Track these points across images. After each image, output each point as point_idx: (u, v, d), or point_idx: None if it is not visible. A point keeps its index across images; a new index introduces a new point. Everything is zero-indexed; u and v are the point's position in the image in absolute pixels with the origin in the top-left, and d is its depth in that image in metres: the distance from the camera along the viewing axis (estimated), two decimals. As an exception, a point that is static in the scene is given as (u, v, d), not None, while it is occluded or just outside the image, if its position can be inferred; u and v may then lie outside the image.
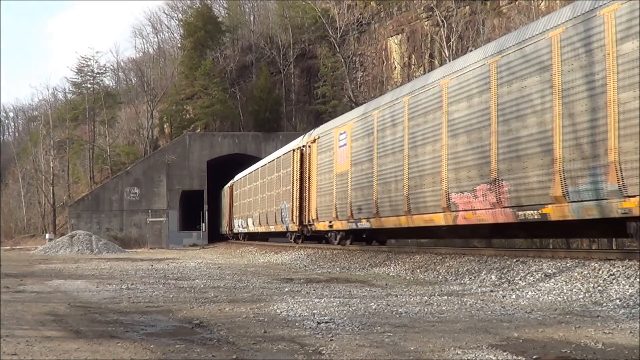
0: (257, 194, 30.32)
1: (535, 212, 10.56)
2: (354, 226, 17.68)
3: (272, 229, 27.04)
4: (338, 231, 19.43)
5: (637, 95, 8.63)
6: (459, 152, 12.60)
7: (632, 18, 8.79)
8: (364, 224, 16.93)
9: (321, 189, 19.97)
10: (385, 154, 15.75)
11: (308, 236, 22.72)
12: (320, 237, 22.41)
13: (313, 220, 20.82)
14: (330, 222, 19.25)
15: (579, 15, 9.79)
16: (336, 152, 18.92)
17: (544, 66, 10.43)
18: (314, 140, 20.99)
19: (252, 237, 33.73)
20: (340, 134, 18.79)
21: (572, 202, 9.78)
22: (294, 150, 23.36)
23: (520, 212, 10.92)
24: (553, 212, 10.17)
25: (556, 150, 10.07)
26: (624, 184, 8.84)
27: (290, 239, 24.58)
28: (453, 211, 12.81)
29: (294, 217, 22.58)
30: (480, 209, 11.95)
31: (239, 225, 36.47)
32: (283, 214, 24.59)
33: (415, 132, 14.30)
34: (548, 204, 10.26)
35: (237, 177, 38.01)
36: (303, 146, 22.27)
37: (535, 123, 10.57)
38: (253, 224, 31.30)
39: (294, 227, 23.02)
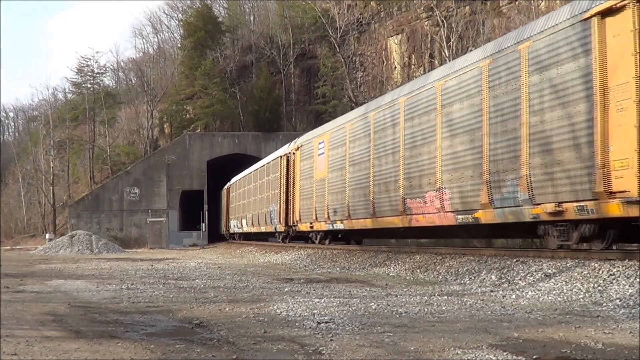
0: (250, 197, 32.08)
1: (470, 216, 12.30)
2: (330, 227, 19.48)
3: (263, 229, 28.75)
4: (318, 231, 21.18)
5: (544, 119, 10.33)
6: (413, 163, 14.38)
7: (540, 54, 10.51)
8: (339, 225, 18.71)
9: (303, 193, 21.76)
10: (355, 163, 17.54)
11: (293, 236, 24.49)
12: (304, 237, 23.88)
13: (297, 221, 22.60)
14: (311, 223, 21.05)
15: (504, 48, 11.46)
16: (316, 160, 20.75)
17: (476, 91, 12.16)
18: (297, 148, 22.83)
19: (247, 237, 34.87)
20: (319, 143, 20.60)
21: (496, 208, 11.51)
22: (281, 156, 25.18)
23: (459, 216, 12.69)
24: (483, 216, 11.87)
25: (484, 164, 11.77)
26: (533, 194, 10.53)
27: (279, 238, 26.13)
28: (408, 215, 14.55)
29: (281, 218, 24.40)
30: (429, 213, 13.72)
31: (234, 226, 38.08)
32: (272, 215, 26.41)
33: (379, 145, 16.14)
34: (479, 209, 11.94)
35: (233, 180, 39.25)
36: (289, 153, 24.04)
37: (469, 140, 12.31)
38: (247, 224, 33.03)
39: (281, 228, 24.78)
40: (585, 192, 9.55)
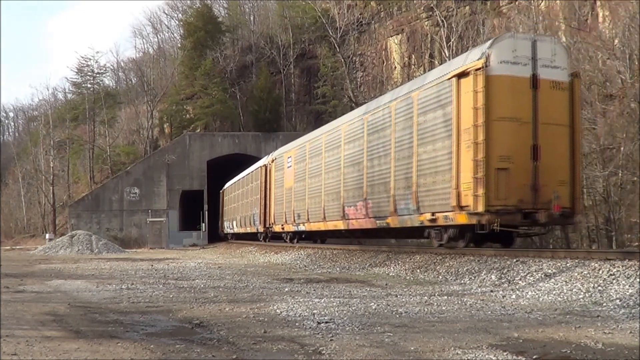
0: (239, 201, 35.55)
1: (384, 221, 15.56)
2: (296, 228, 23.00)
3: (248, 230, 32.16)
4: (288, 232, 24.65)
5: (427, 150, 13.54)
6: (349, 178, 17.78)
7: (426, 100, 13.67)
8: (302, 227, 22.22)
9: (277, 199, 25.51)
10: (313, 175, 20.98)
11: (270, 236, 27.95)
12: (280, 237, 26.86)
13: (272, 223, 26.40)
14: (282, 225, 24.72)
15: (403, 94, 15.02)
16: (285, 172, 24.48)
17: (388, 125, 15.42)
18: (273, 161, 26.71)
19: (238, 237, 37.01)
20: (288, 157, 24.31)
21: (399, 215, 14.72)
22: (261, 167, 28.84)
23: (377, 221, 15.93)
24: (392, 222, 15.13)
25: (392, 182, 15.08)
26: (420, 206, 13.76)
27: (260, 238, 29.30)
28: (347, 219, 17.96)
29: (261, 220, 28.14)
30: (359, 218, 17.08)
31: (227, 227, 40.79)
32: (254, 218, 29.99)
33: (328, 162, 19.69)
34: (389, 216, 15.20)
35: (227, 184, 41.36)
36: (267, 164, 27.74)
37: (383, 163, 15.56)
38: (236, 226, 36.45)
39: (261, 229, 28.45)
40: (447, 206, 12.66)
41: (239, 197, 35.47)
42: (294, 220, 22.80)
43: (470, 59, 12.50)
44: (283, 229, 24.70)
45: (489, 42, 12.54)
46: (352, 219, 17.49)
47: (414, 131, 14.02)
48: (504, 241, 13.55)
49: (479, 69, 11.94)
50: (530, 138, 12.03)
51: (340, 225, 18.47)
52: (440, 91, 13.17)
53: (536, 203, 11.89)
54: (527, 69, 12.15)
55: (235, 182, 37.58)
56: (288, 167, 24.07)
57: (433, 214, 13.22)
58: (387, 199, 15.24)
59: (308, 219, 21.17)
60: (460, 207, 12.23)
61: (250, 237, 32.73)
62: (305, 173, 21.72)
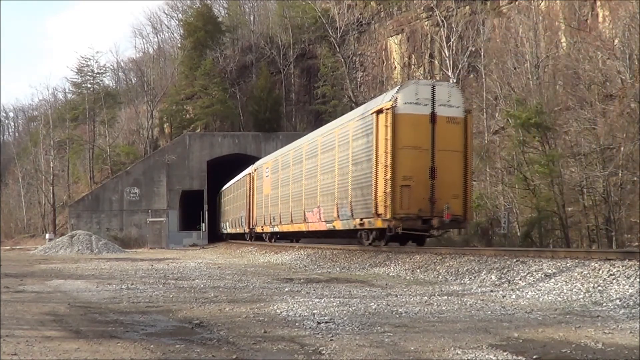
0: (231, 204, 39.03)
1: (331, 224, 18.55)
2: (272, 230, 26.54)
3: (238, 230, 35.61)
4: (267, 233, 28.16)
5: (357, 169, 16.51)
6: (308, 188, 20.90)
7: (357, 129, 16.72)
8: (276, 229, 25.75)
9: (258, 204, 29.40)
10: (284, 185, 24.54)
11: (254, 236, 31.23)
12: (262, 237, 30.36)
13: (254, 225, 30.23)
14: (262, 226, 28.44)
15: (343, 123, 18.24)
16: (264, 180, 28.30)
17: (333, 146, 18.46)
18: (255, 170, 30.77)
19: (232, 236, 39.56)
20: (266, 168, 28.19)
21: (341, 220, 17.71)
22: (247, 175, 32.65)
23: (327, 224, 18.96)
24: (336, 225, 18.17)
25: (335, 193, 18.15)
26: (353, 213, 16.81)
27: (247, 238, 32.80)
28: (307, 222, 21.06)
29: (247, 222, 31.89)
30: (315, 222, 20.18)
31: (222, 227, 43.25)
32: (242, 220, 33.52)
33: (294, 174, 22.95)
34: (334, 220, 18.20)
35: (223, 187, 43.19)
36: (252, 172, 31.43)
37: (330, 177, 18.65)
38: (229, 226, 39.68)
39: (247, 230, 32.14)
40: (370, 213, 15.56)
41: (232, 200, 38.78)
42: (271, 223, 26.30)
43: (386, 99, 15.47)
44: (263, 230, 28.30)
45: (397, 87, 15.76)
46: (311, 222, 20.61)
47: (349, 154, 17.06)
48: (418, 241, 16.71)
49: (389, 108, 14.95)
50: (429, 162, 15.10)
51: (303, 227, 21.54)
52: (366, 123, 16.11)
53: (433, 212, 14.94)
54: (427, 108, 15.15)
55: (229, 187, 40.38)
56: (266, 177, 27.76)
57: (361, 219, 16.28)
58: (332, 206, 18.29)
59: (280, 221, 24.51)
60: (378, 215, 15.17)
61: (240, 236, 35.56)
62: (278, 182, 25.24)
